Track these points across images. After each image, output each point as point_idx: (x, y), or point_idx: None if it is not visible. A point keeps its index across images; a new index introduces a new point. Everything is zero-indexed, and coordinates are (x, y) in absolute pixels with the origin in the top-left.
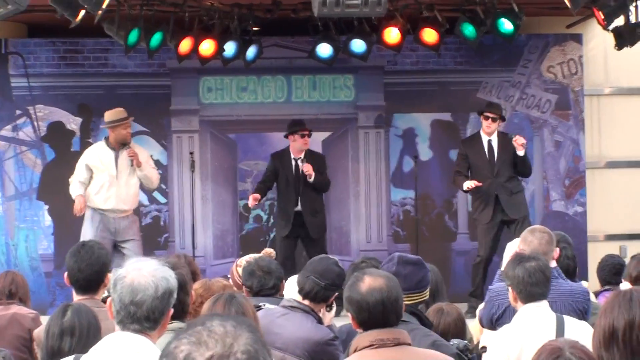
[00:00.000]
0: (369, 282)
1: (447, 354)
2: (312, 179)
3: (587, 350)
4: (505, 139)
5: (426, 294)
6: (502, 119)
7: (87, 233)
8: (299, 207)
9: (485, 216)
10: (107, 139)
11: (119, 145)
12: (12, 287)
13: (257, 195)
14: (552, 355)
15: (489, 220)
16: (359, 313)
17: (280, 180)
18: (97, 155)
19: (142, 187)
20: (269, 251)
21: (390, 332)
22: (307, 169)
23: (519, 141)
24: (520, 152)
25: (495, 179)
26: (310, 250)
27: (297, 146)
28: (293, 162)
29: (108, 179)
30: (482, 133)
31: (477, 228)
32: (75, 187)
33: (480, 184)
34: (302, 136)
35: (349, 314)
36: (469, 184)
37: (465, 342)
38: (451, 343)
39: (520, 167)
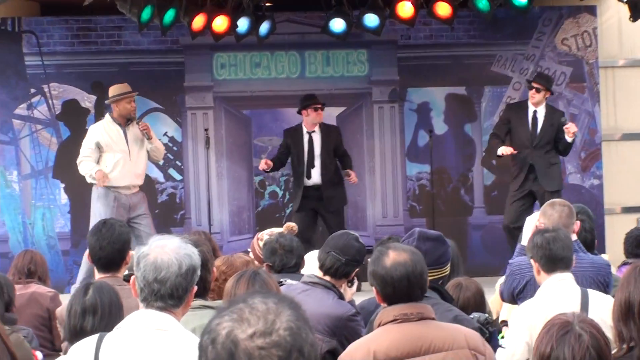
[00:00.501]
0: (394, 257)
1: (469, 328)
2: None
3: (597, 324)
4: (554, 114)
5: (447, 270)
6: (549, 91)
7: (102, 212)
8: (311, 182)
9: (515, 184)
10: (111, 114)
11: (124, 120)
12: (31, 265)
13: (269, 162)
14: (562, 330)
15: (517, 188)
16: (383, 287)
17: (293, 155)
18: (105, 132)
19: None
20: (290, 225)
21: (414, 307)
22: (352, 179)
23: (571, 129)
24: (569, 139)
25: (534, 150)
26: (328, 223)
27: (310, 120)
28: (306, 136)
29: (122, 156)
30: (529, 102)
31: (510, 196)
32: (88, 164)
33: (515, 152)
34: (316, 109)
35: (373, 289)
36: (503, 150)
37: (486, 315)
38: (471, 316)
39: (562, 147)
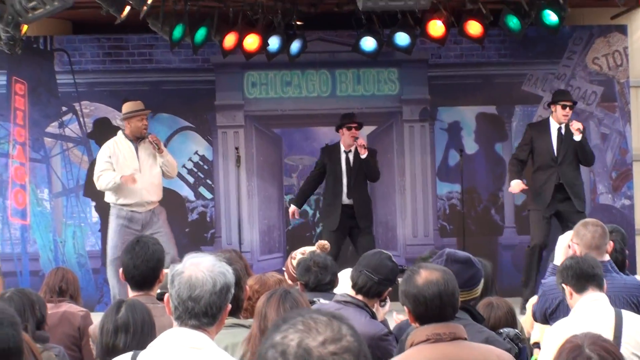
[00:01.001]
0: (426, 276)
1: (501, 349)
2: (364, 155)
3: (609, 345)
4: (568, 127)
5: (476, 292)
6: (575, 103)
7: (112, 231)
8: (347, 201)
9: (541, 201)
10: (124, 131)
11: (136, 139)
12: (62, 284)
13: (297, 213)
14: (572, 353)
15: (545, 207)
16: (415, 307)
17: (329, 173)
18: (116, 149)
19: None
20: (323, 243)
21: (447, 327)
22: (361, 142)
23: (574, 125)
24: (577, 137)
25: (559, 168)
26: (360, 241)
27: (346, 139)
28: (343, 155)
29: (132, 172)
30: (551, 120)
31: (531, 214)
32: (108, 174)
33: (526, 187)
34: (349, 129)
35: (405, 308)
36: (514, 188)
37: (516, 330)
38: (501, 331)
39: (581, 154)
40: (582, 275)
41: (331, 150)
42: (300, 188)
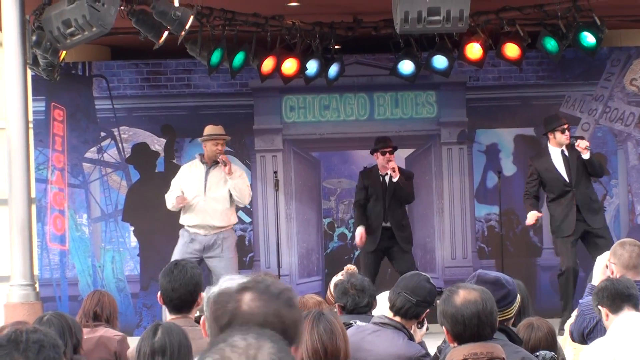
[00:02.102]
0: (464, 295)
1: None
2: (396, 179)
3: None
4: (572, 148)
5: (510, 312)
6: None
7: (175, 251)
8: (386, 223)
9: (567, 228)
10: (202, 154)
11: (211, 162)
12: (97, 308)
13: (364, 233)
14: None
15: (571, 232)
16: (453, 326)
17: (370, 196)
18: (188, 170)
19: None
20: (351, 267)
21: (484, 346)
22: (392, 165)
23: (581, 145)
24: (585, 156)
25: (575, 190)
26: (400, 263)
27: (380, 163)
28: (381, 178)
29: (195, 196)
30: (550, 147)
31: (558, 240)
32: (170, 195)
33: (541, 215)
34: (383, 153)
35: (443, 328)
36: (530, 220)
37: (552, 353)
38: (537, 354)
39: (590, 169)
40: (618, 296)
41: (370, 173)
42: (356, 212)
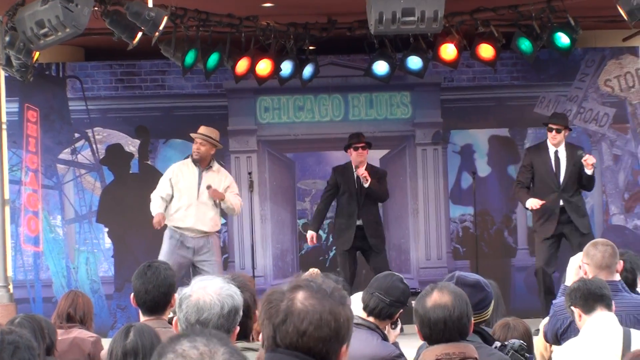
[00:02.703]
0: (435, 298)
1: None
2: (367, 184)
3: None
4: (573, 151)
5: (486, 315)
6: (568, 129)
7: (165, 251)
8: (359, 221)
9: (547, 230)
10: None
11: (205, 164)
12: (71, 309)
13: (315, 235)
14: None
15: (551, 234)
16: (421, 327)
17: (342, 193)
18: (180, 172)
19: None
20: (315, 271)
21: (457, 347)
22: (363, 173)
23: (589, 161)
24: (589, 171)
25: (562, 193)
26: (374, 262)
27: (354, 159)
28: (354, 176)
29: (188, 198)
30: (548, 143)
31: (535, 240)
32: (155, 204)
33: (544, 202)
34: (356, 149)
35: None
36: (533, 204)
37: (520, 341)
38: (506, 343)
39: (586, 182)
40: (590, 296)
41: (343, 170)
42: (315, 212)
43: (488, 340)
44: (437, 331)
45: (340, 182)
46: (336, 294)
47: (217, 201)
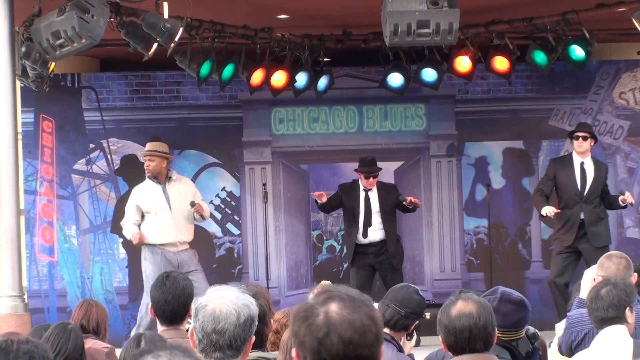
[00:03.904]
0: (460, 307)
1: None
2: (412, 207)
3: None
4: (600, 167)
5: (521, 333)
6: (594, 138)
7: (150, 271)
8: (367, 239)
9: (566, 240)
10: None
11: (163, 178)
12: (84, 321)
13: (325, 197)
14: None
15: (569, 244)
16: (446, 336)
17: (347, 211)
18: (144, 193)
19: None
20: (326, 283)
21: (480, 357)
22: (416, 200)
23: (628, 199)
24: (621, 204)
25: (584, 204)
26: (388, 281)
27: (362, 182)
28: (362, 194)
29: (161, 214)
30: (574, 155)
31: (554, 250)
32: (128, 227)
33: (558, 211)
34: (367, 177)
35: (440, 337)
36: (547, 210)
37: (535, 330)
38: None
39: (610, 203)
40: (598, 320)
41: (350, 188)
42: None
43: (517, 357)
44: (462, 339)
45: (346, 200)
46: (364, 298)
47: (195, 214)
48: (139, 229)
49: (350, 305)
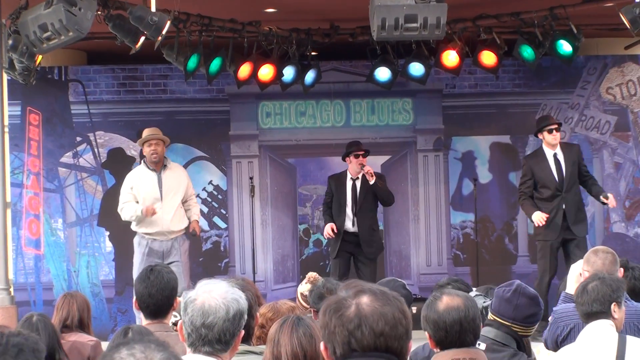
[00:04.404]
0: (447, 301)
1: None
2: (372, 181)
3: None
4: (571, 150)
5: (531, 331)
6: (560, 124)
7: (136, 261)
8: (353, 228)
9: (551, 233)
10: (145, 160)
11: (159, 166)
12: (68, 321)
13: (333, 225)
14: None
15: (555, 238)
16: (435, 332)
17: (335, 201)
18: (138, 179)
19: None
20: (313, 275)
21: (467, 352)
22: (368, 169)
23: (610, 204)
24: (603, 201)
25: (566, 195)
26: (362, 271)
27: (353, 167)
28: (350, 183)
29: (153, 202)
30: (545, 148)
31: (538, 244)
32: (131, 206)
33: (548, 216)
34: (357, 157)
35: (426, 334)
36: (538, 219)
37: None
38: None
39: (588, 189)
40: (586, 314)
41: (337, 179)
42: (324, 212)
43: (522, 348)
44: (452, 333)
45: (334, 190)
46: (394, 293)
47: (181, 187)
48: None
49: (382, 298)
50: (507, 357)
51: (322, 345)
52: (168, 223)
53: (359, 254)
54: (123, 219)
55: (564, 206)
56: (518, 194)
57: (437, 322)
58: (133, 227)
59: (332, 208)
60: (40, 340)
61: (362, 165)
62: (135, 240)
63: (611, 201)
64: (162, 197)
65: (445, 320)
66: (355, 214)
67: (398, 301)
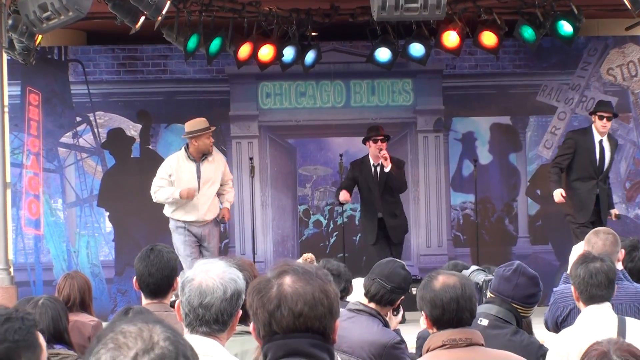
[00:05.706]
0: (443, 280)
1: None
2: (388, 168)
3: (634, 349)
4: (616, 145)
5: (530, 311)
6: (615, 116)
7: (178, 245)
8: (380, 214)
9: (583, 216)
10: (187, 149)
11: (200, 156)
12: (70, 304)
13: (347, 193)
14: None
15: (586, 220)
16: (432, 310)
17: (363, 188)
18: (179, 168)
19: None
20: (309, 256)
21: (463, 332)
22: (384, 153)
23: (613, 217)
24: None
25: (600, 182)
26: (395, 255)
27: (373, 152)
28: (372, 169)
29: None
30: (594, 130)
31: (574, 228)
32: (166, 189)
33: (563, 200)
34: (375, 141)
35: (422, 313)
36: (559, 197)
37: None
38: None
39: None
40: (590, 294)
41: (361, 164)
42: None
43: (520, 324)
44: (450, 311)
45: (359, 177)
46: (320, 272)
47: (218, 177)
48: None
49: (304, 278)
50: (510, 334)
51: (250, 326)
52: (203, 213)
53: (388, 238)
54: (156, 200)
55: (597, 191)
56: (552, 163)
57: (434, 300)
58: (167, 212)
59: (361, 195)
60: (34, 316)
61: (380, 150)
62: (172, 225)
63: (614, 215)
64: (199, 187)
65: (442, 298)
66: (379, 199)
67: (321, 280)
